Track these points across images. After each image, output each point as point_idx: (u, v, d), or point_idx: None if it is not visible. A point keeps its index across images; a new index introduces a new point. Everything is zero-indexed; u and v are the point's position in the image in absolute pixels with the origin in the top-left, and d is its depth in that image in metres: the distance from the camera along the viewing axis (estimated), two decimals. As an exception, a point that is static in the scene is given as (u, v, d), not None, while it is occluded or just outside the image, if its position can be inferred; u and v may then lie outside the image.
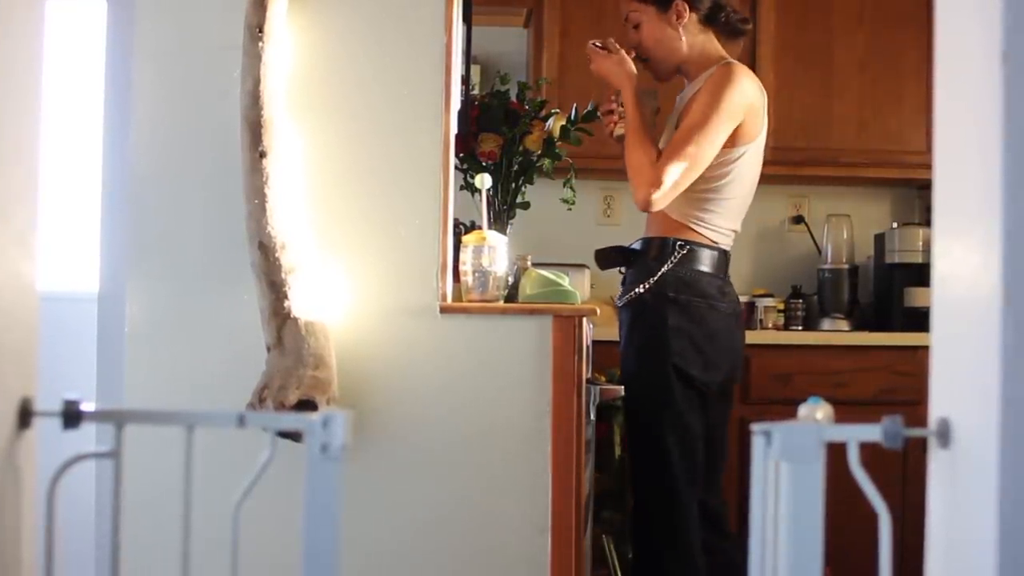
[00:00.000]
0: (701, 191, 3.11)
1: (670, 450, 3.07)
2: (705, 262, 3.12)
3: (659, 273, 3.09)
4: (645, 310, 3.10)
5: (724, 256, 3.18)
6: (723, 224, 3.16)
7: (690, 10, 3.12)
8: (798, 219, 4.92)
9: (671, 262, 3.09)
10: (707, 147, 3.02)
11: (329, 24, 2.61)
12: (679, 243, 3.11)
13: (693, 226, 3.13)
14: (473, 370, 2.61)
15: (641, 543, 3.15)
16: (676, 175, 3.00)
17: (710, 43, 3.17)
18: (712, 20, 3.16)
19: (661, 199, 3.02)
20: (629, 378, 3.13)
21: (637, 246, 3.21)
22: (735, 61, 3.15)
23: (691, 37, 3.15)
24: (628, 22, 3.18)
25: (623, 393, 3.10)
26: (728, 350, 3.16)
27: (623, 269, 3.26)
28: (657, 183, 3.00)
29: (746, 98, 3.06)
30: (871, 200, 4.95)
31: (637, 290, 3.12)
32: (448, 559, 2.59)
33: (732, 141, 3.06)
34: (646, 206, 3.04)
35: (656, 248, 3.14)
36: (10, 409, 1.43)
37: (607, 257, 3.25)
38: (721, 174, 3.10)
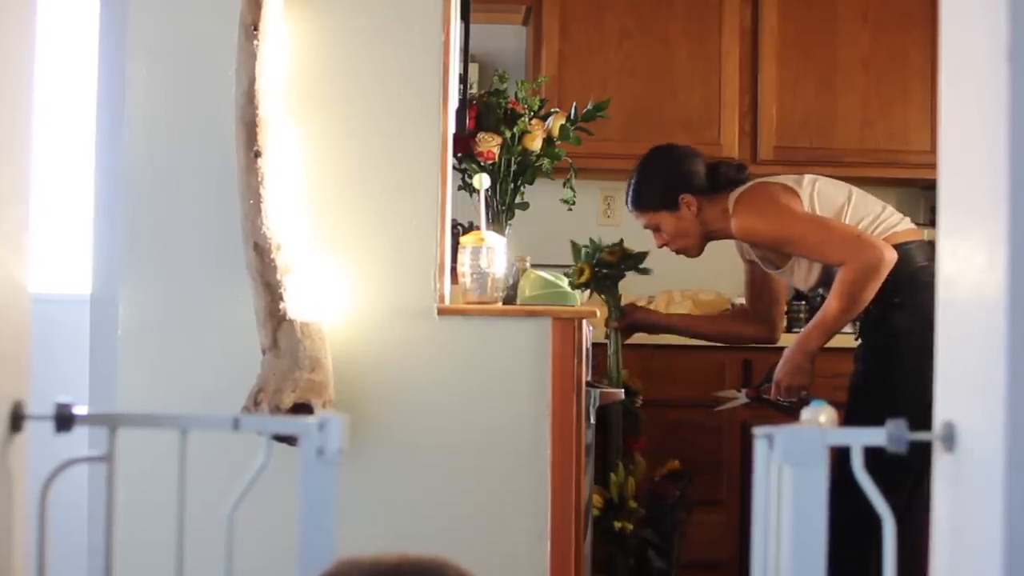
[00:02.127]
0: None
1: None
2: (918, 258, 3.23)
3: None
4: (875, 321, 3.25)
5: (930, 246, 3.25)
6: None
7: (697, 197, 3.32)
8: (801, 219, 4.89)
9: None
10: (814, 222, 3.21)
11: (325, 22, 2.60)
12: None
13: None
14: (471, 373, 2.59)
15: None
16: (844, 243, 3.15)
17: (721, 203, 3.33)
18: (714, 189, 3.34)
19: (861, 256, 3.12)
20: (860, 388, 3.25)
21: None
22: (735, 201, 3.29)
23: (708, 214, 3.34)
24: (648, 228, 3.40)
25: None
26: None
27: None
28: (849, 263, 3.13)
29: (771, 191, 3.27)
30: (875, 200, 4.93)
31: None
32: (446, 564, 2.58)
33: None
34: (875, 264, 3.12)
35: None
36: (1, 412, 1.42)
37: None
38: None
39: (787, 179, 3.31)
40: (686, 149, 3.43)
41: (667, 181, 3.34)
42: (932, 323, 3.31)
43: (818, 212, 3.24)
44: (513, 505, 2.58)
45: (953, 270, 1.43)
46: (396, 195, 2.60)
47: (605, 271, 3.39)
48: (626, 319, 3.48)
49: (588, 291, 3.44)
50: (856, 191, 3.31)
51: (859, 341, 3.34)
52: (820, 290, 3.39)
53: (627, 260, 3.39)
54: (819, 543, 1.40)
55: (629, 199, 3.40)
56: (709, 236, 3.39)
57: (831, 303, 3.16)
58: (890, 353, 3.18)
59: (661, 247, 3.43)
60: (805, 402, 3.26)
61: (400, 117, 2.61)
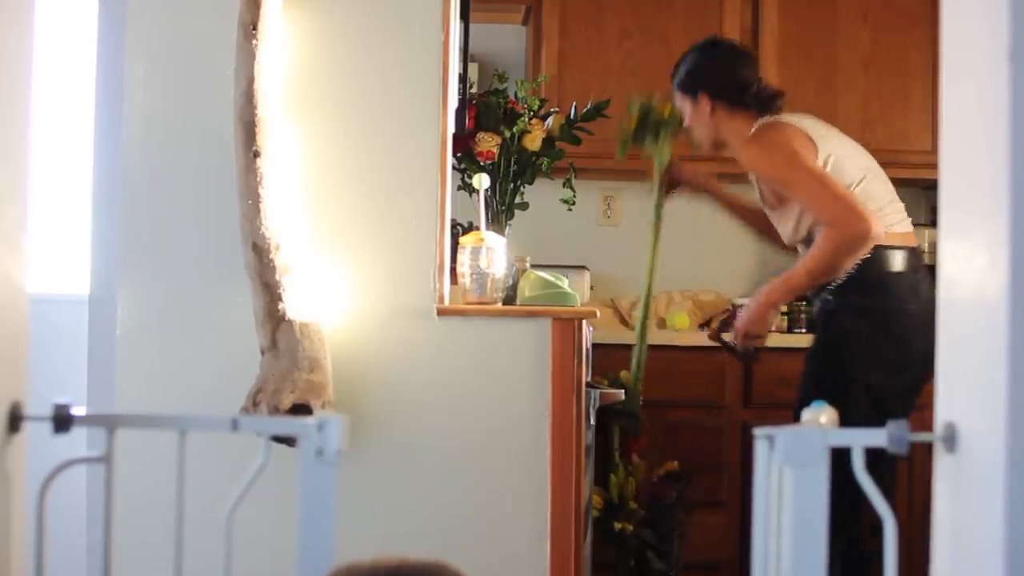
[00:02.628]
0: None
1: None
2: (895, 263, 3.16)
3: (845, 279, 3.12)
4: (831, 318, 3.17)
5: (912, 253, 3.21)
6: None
7: (714, 99, 3.30)
8: (801, 219, 4.87)
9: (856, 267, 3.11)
10: (820, 178, 3.11)
11: (325, 21, 2.59)
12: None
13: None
14: (471, 373, 2.58)
15: None
16: (836, 205, 3.07)
17: (741, 122, 3.30)
18: (739, 103, 3.31)
19: (845, 225, 3.05)
20: (809, 384, 3.16)
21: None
22: (755, 130, 3.25)
23: (722, 122, 3.31)
24: (678, 105, 3.42)
25: None
26: (918, 351, 3.10)
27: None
28: (832, 226, 3.06)
29: (790, 134, 3.19)
30: (875, 200, 4.91)
31: (825, 298, 3.18)
32: (445, 565, 2.57)
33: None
34: (859, 236, 3.04)
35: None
36: (-1, 413, 1.41)
37: None
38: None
39: (813, 129, 3.23)
40: (735, 53, 3.43)
41: (696, 72, 3.35)
42: (889, 331, 3.30)
43: None
44: (513, 506, 2.58)
45: (954, 270, 1.42)
46: (395, 195, 2.60)
47: (654, 122, 3.38)
48: (672, 172, 3.46)
49: (639, 141, 3.39)
50: (873, 174, 3.23)
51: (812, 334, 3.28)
52: (800, 248, 3.32)
53: (676, 119, 3.38)
54: (820, 544, 1.40)
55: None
56: (718, 140, 3.36)
57: (805, 261, 3.10)
58: (840, 356, 3.12)
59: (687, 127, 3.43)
60: (757, 351, 3.28)
61: (399, 117, 2.60)
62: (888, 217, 3.17)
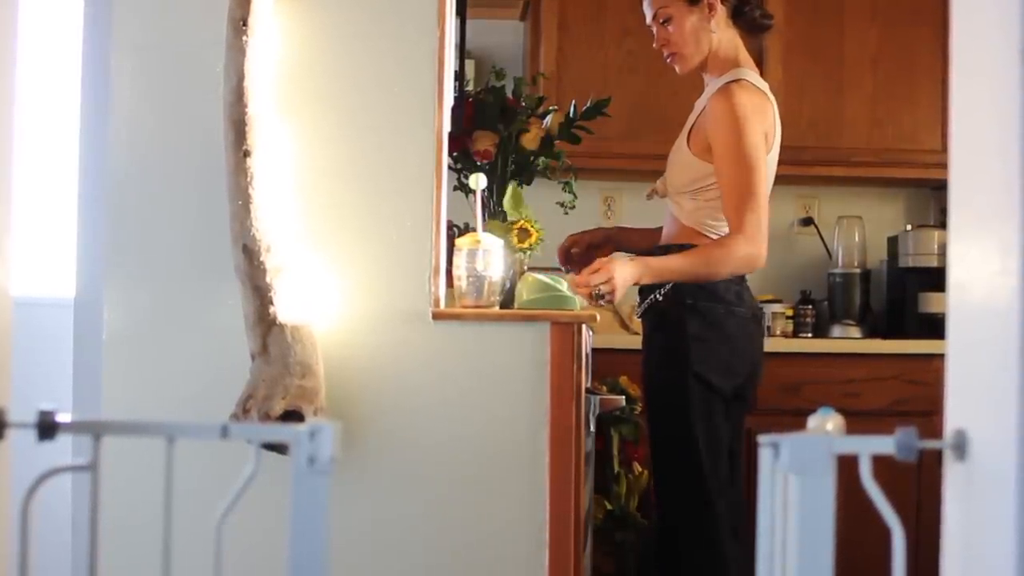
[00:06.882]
0: (711, 199, 3.04)
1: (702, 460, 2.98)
2: None
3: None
4: (664, 318, 3.03)
5: None
6: None
7: (720, 3, 3.09)
8: (807, 221, 4.86)
9: None
10: (758, 179, 2.97)
11: (317, 17, 2.58)
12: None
13: (707, 232, 3.05)
14: (467, 379, 2.56)
15: (670, 558, 3.04)
16: (754, 220, 2.93)
17: (733, 40, 3.14)
18: (738, 15, 3.13)
19: (755, 245, 2.92)
20: (651, 386, 3.05)
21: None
22: (739, 77, 3.07)
23: (719, 32, 3.10)
24: (657, 19, 3.15)
25: (632, 404, 3.09)
26: (747, 354, 3.08)
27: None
28: (745, 239, 2.91)
29: (762, 118, 3.04)
30: (884, 201, 4.90)
31: (655, 296, 3.03)
32: (442, 576, 2.55)
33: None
34: (757, 261, 2.94)
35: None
36: (-19, 421, 1.39)
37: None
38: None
39: (773, 131, 3.07)
40: None
41: None
42: (724, 333, 3.09)
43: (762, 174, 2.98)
44: (510, 514, 2.55)
45: (964, 274, 1.41)
46: (390, 195, 2.58)
47: None
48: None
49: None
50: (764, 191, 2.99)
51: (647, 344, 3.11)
52: (674, 197, 3.13)
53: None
54: (826, 554, 1.37)
55: None
56: (700, 52, 3.12)
57: (692, 260, 2.93)
58: (682, 355, 2.98)
59: (658, 48, 3.17)
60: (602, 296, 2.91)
61: (394, 115, 2.58)
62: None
